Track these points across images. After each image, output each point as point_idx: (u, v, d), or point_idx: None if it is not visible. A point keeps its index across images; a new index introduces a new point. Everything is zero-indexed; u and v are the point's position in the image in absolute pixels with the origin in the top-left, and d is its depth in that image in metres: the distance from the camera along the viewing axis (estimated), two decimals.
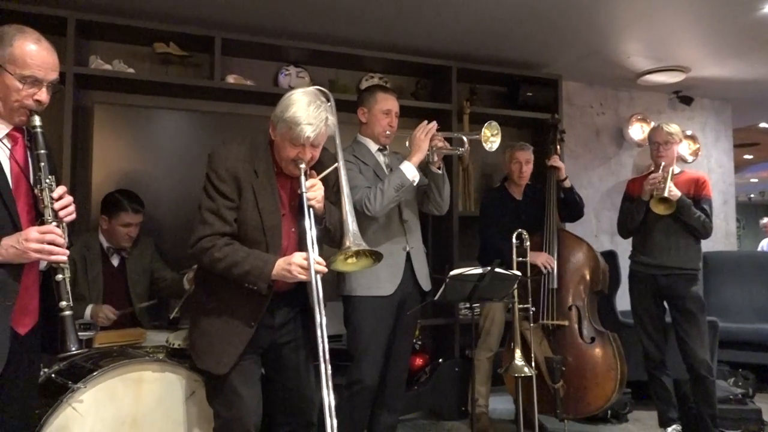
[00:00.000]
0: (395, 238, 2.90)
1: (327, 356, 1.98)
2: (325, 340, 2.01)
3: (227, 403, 2.17)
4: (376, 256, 2.25)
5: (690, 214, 3.30)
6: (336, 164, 2.29)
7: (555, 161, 3.69)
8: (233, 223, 2.12)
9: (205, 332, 2.17)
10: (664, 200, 3.26)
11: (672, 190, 3.26)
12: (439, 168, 2.94)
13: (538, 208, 3.70)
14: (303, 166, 2.08)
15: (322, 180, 2.19)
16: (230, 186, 2.11)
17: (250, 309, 2.13)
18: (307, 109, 2.05)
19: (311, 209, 2.09)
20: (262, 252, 2.10)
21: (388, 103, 2.94)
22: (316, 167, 2.20)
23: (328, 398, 1.95)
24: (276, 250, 2.14)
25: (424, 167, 2.96)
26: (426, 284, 3.02)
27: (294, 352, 2.30)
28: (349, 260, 2.26)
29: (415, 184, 2.80)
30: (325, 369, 1.96)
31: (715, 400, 3.36)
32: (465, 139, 2.98)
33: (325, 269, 2.08)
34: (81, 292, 2.96)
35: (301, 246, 2.13)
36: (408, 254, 2.93)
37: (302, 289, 2.25)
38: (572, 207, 3.76)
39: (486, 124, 2.88)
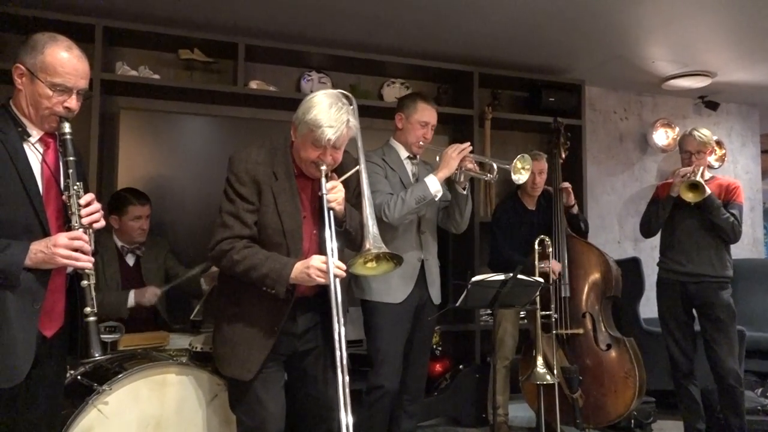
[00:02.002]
0: (410, 248, 2.88)
1: (345, 362, 1.98)
2: (343, 345, 2.00)
3: (250, 412, 2.17)
4: (397, 260, 2.23)
5: (718, 213, 3.24)
6: (357, 167, 2.28)
7: (564, 185, 3.67)
8: (253, 226, 2.12)
9: (227, 339, 2.16)
10: (694, 186, 3.20)
11: (704, 177, 3.23)
12: (464, 189, 2.91)
13: (550, 218, 3.66)
14: (324, 168, 2.08)
15: (343, 183, 2.18)
16: (250, 189, 2.11)
17: (272, 315, 2.13)
18: (328, 111, 2.04)
19: (332, 211, 2.09)
20: (281, 255, 2.10)
21: (426, 115, 2.93)
22: (337, 170, 2.20)
23: (344, 397, 1.95)
24: (297, 253, 2.13)
25: (450, 185, 2.95)
26: (436, 297, 3.00)
27: (317, 360, 2.29)
28: (369, 264, 2.24)
29: (437, 199, 2.78)
30: (343, 379, 1.95)
31: (744, 410, 3.29)
32: (495, 166, 2.88)
33: (344, 273, 2.08)
34: (100, 287, 3.01)
35: (322, 249, 2.12)
36: (422, 264, 2.92)
37: (325, 294, 2.22)
38: (575, 231, 3.74)
39: (520, 156, 2.80)
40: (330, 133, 2.03)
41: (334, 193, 2.10)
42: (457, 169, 2.82)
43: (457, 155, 2.79)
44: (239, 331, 2.14)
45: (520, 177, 2.81)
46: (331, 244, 2.04)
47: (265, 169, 2.14)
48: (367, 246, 2.19)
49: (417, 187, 2.78)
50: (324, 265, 2.03)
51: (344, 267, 2.09)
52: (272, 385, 2.18)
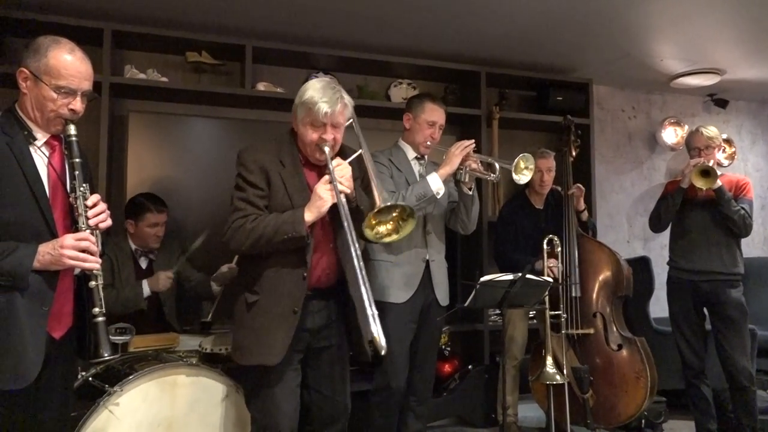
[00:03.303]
0: (416, 248, 2.88)
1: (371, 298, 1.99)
2: (366, 278, 1.97)
3: (264, 411, 2.20)
4: (409, 212, 2.22)
5: (730, 205, 3.21)
6: (360, 151, 2.33)
7: (574, 189, 3.59)
8: (264, 209, 2.19)
9: (251, 328, 2.19)
10: (706, 173, 3.17)
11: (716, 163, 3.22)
12: (470, 189, 2.90)
13: (559, 216, 3.63)
14: (328, 149, 2.15)
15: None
16: (258, 177, 2.19)
17: (291, 295, 2.16)
18: (322, 90, 2.16)
19: (341, 186, 2.11)
20: None
21: (434, 115, 2.93)
22: (339, 157, 2.24)
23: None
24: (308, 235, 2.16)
25: (456, 185, 2.94)
26: (444, 298, 2.98)
27: (331, 359, 2.32)
28: (382, 227, 2.22)
29: (438, 196, 2.77)
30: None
31: (756, 410, 3.27)
32: (497, 165, 2.87)
33: (349, 189, 2.13)
34: (115, 286, 3.04)
35: (333, 234, 2.21)
36: (427, 264, 2.91)
37: (340, 290, 2.28)
38: None
39: (522, 155, 2.78)
40: (326, 107, 2.12)
41: (340, 169, 2.14)
42: (460, 168, 2.81)
43: (459, 152, 2.79)
44: (261, 318, 2.18)
45: (522, 177, 2.79)
46: (346, 221, 2.04)
47: (272, 158, 2.23)
48: (378, 203, 2.19)
49: (418, 185, 2.77)
50: (327, 185, 2.09)
51: (349, 181, 2.13)
52: (287, 385, 2.21)
